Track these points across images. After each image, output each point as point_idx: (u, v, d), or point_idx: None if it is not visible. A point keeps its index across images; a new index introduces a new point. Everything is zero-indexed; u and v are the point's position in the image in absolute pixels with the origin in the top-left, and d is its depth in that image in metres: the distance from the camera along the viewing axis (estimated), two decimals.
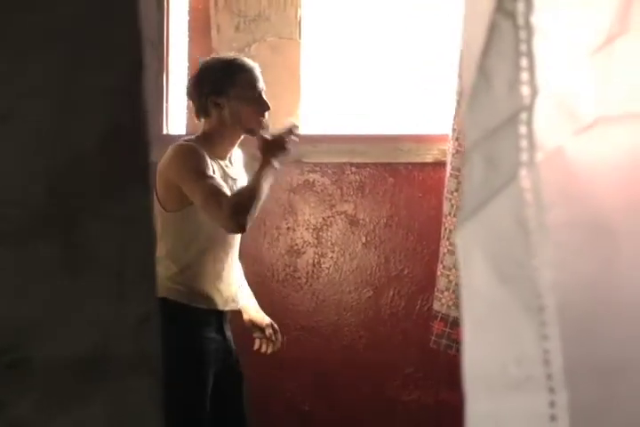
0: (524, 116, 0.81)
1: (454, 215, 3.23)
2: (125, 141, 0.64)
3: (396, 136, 3.68)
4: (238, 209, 2.63)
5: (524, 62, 0.80)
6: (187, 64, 3.87)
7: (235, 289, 2.89)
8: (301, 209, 3.70)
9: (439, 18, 3.73)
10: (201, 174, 2.68)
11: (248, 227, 2.68)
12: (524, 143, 0.81)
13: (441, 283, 3.32)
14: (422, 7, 3.82)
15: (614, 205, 0.83)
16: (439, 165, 3.51)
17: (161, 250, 2.77)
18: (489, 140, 0.81)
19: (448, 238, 3.25)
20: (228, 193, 2.67)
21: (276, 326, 3.04)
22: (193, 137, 2.86)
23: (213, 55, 3.06)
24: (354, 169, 3.67)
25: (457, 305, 3.22)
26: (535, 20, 0.80)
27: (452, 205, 3.24)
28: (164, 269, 2.74)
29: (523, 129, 0.81)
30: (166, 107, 3.76)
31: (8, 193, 0.62)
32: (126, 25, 0.67)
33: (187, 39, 3.87)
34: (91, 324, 0.62)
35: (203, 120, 2.88)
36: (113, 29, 0.66)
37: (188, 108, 3.84)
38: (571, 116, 0.83)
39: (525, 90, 0.80)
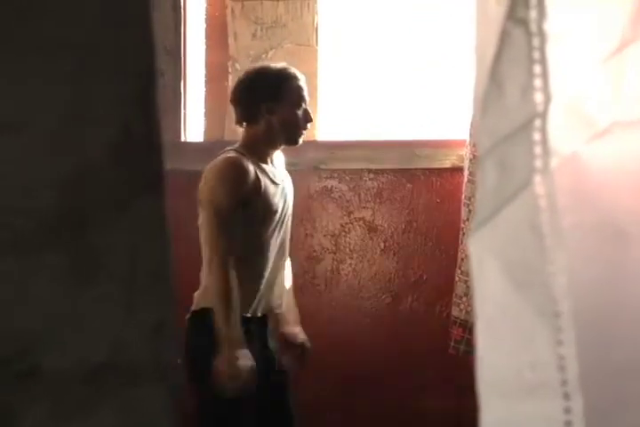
0: (537, 122, 0.81)
1: None
2: (136, 149, 0.64)
3: (413, 142, 3.68)
4: (218, 278, 2.65)
5: (537, 69, 0.80)
6: (204, 71, 3.88)
7: (279, 293, 2.88)
8: (319, 216, 3.70)
9: (459, 25, 3.72)
10: (222, 216, 2.68)
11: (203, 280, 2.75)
12: (538, 150, 0.81)
13: (459, 289, 3.31)
14: (440, 14, 3.82)
15: (628, 210, 0.83)
16: (457, 170, 3.51)
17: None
18: (502, 146, 0.81)
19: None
20: (227, 251, 2.68)
21: (308, 344, 2.99)
22: (239, 145, 2.82)
23: (261, 63, 3.07)
24: (371, 175, 3.67)
25: None
26: (548, 26, 0.80)
27: (470, 211, 3.23)
28: (206, 278, 2.74)
29: (537, 136, 0.81)
30: (184, 114, 3.77)
31: (17, 202, 0.62)
32: (137, 31, 0.66)
33: (204, 47, 3.89)
34: (100, 332, 0.62)
35: (245, 126, 2.85)
36: (123, 35, 0.65)
37: (205, 115, 3.85)
38: (584, 123, 0.83)
39: (539, 97, 0.80)
